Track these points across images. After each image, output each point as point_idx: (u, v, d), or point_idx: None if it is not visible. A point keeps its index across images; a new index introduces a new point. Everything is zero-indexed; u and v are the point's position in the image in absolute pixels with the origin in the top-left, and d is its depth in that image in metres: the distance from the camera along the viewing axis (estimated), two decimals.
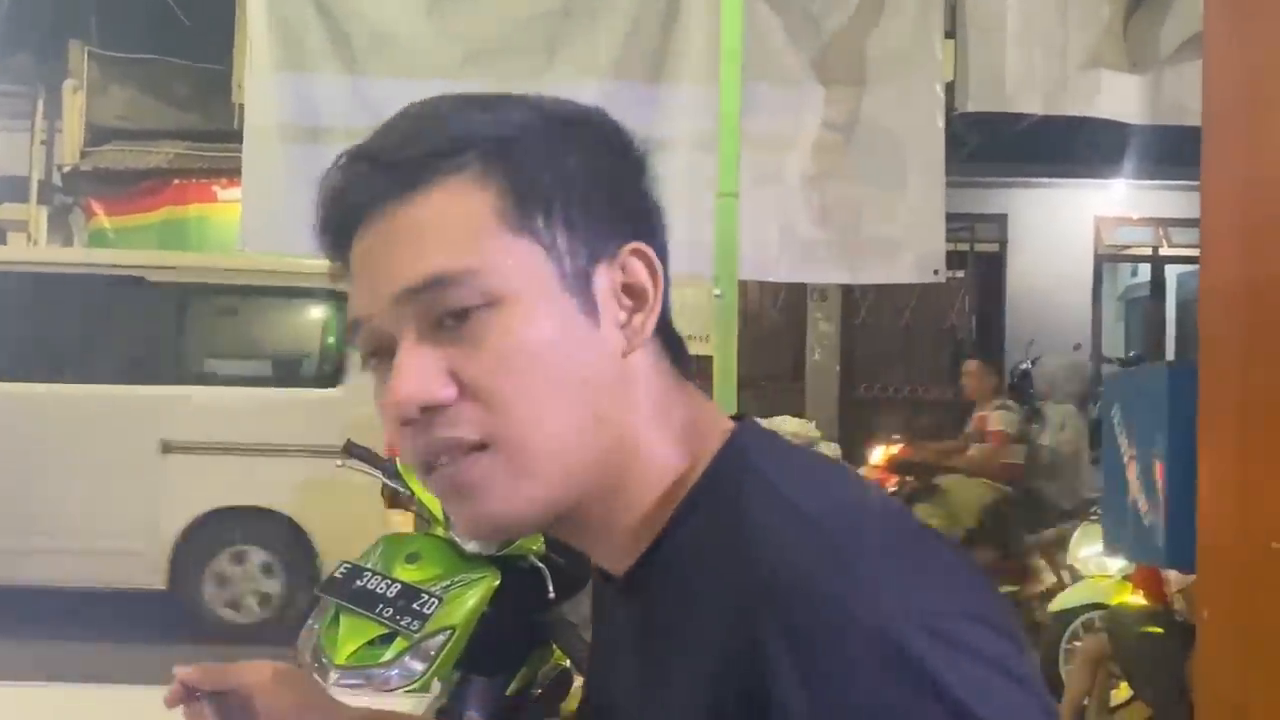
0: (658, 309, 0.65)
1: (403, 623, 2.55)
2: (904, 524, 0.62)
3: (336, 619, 2.60)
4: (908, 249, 2.98)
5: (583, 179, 0.65)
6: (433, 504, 2.80)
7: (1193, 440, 1.90)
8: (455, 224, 0.62)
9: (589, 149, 0.67)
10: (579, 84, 3.33)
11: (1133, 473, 2.25)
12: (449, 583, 2.69)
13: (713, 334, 2.16)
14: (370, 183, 0.64)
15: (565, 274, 0.63)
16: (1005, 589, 4.96)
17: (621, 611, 0.69)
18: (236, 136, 9.29)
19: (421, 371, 0.61)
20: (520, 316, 0.62)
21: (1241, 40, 1.89)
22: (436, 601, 2.61)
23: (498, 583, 2.77)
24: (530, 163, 0.64)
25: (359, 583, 2.63)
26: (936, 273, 2.95)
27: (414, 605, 2.58)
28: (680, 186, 3.20)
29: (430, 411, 0.61)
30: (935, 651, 0.53)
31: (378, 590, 2.61)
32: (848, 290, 8.32)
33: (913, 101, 3.04)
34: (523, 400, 0.61)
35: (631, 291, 0.65)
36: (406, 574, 2.69)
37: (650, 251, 0.66)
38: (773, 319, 7.74)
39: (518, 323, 0.61)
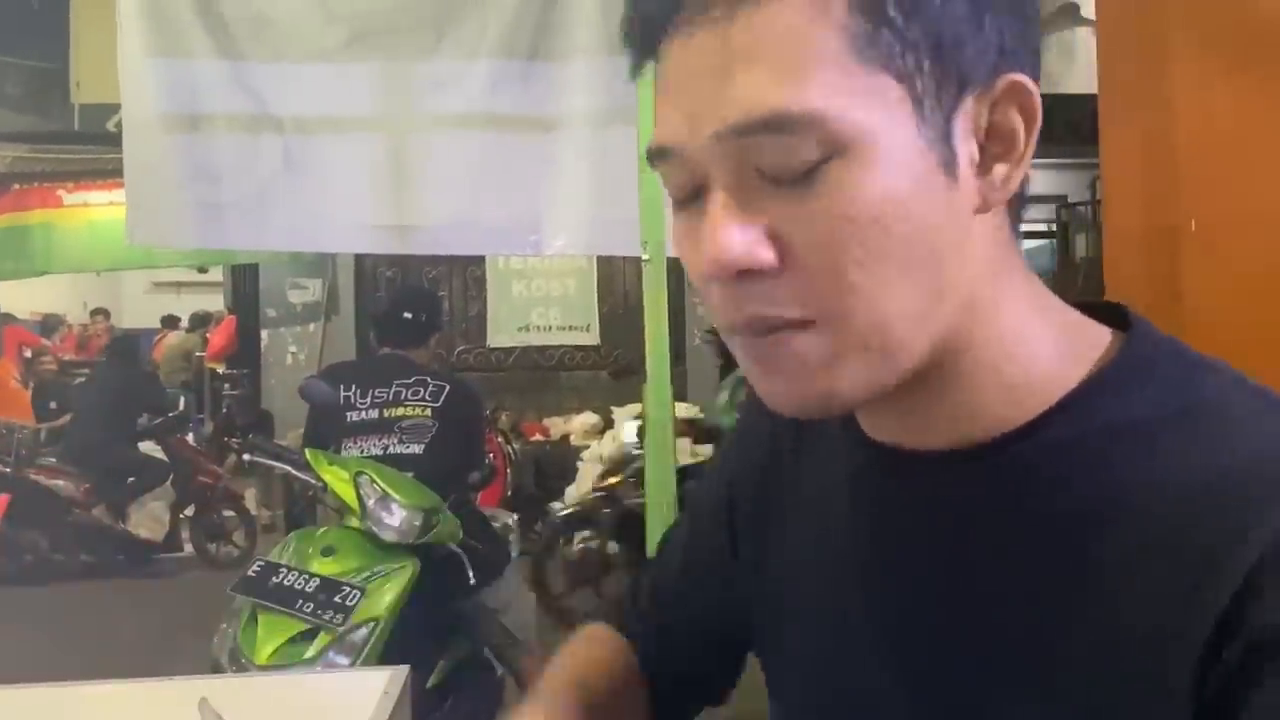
0: (1027, 160, 0.55)
1: (325, 617, 2.47)
2: None
3: (254, 618, 2.51)
4: None
5: None
6: (346, 494, 2.72)
7: None
8: (800, 48, 0.50)
9: None
10: (469, 63, 3.27)
11: None
12: (369, 574, 2.63)
13: (645, 299, 2.16)
14: None
15: (925, 117, 0.52)
16: None
17: (918, 492, 0.59)
18: (79, 138, 8.80)
19: (738, 231, 0.52)
20: (866, 171, 0.50)
21: (1129, 2, 1.99)
22: (358, 594, 2.54)
23: (417, 571, 2.71)
24: None
25: (275, 579, 2.54)
26: None
27: (335, 598, 2.51)
28: (580, 164, 3.19)
29: (746, 277, 0.52)
30: None
31: (296, 586, 2.52)
32: None
33: None
34: (859, 274, 0.51)
35: (999, 134, 0.54)
36: (324, 567, 2.61)
37: (1031, 86, 0.54)
38: None
39: (863, 179, 0.50)
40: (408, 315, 3.27)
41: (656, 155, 0.55)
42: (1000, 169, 0.55)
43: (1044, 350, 0.57)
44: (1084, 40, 3.00)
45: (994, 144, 0.54)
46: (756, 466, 0.75)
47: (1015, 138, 0.54)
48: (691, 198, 0.55)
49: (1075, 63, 3.12)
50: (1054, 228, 10.19)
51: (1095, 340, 0.58)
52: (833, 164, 0.50)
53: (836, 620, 0.64)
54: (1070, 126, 2.91)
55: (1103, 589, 0.51)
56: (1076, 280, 8.01)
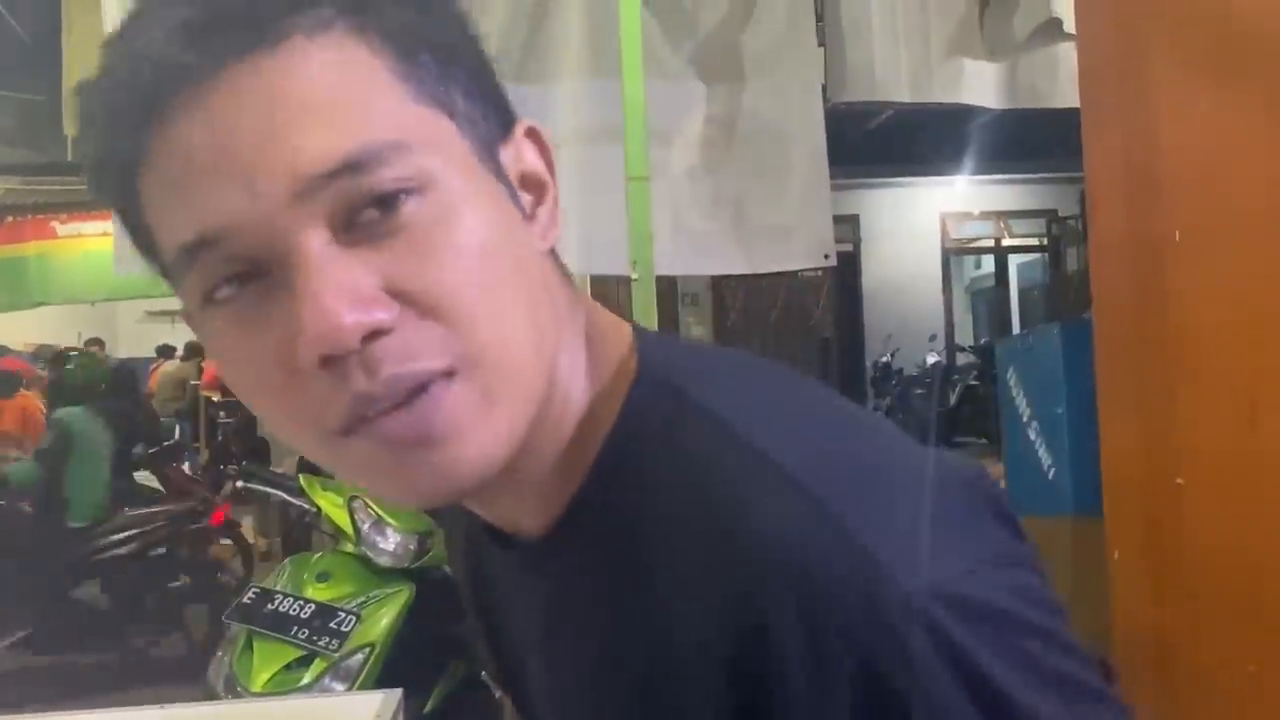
0: (557, 203, 0.54)
1: (320, 643, 2.47)
2: (891, 448, 0.51)
3: (249, 645, 2.50)
4: (798, 236, 3.06)
5: (464, 35, 0.52)
6: (340, 519, 2.72)
7: (1091, 390, 2.00)
8: (353, 88, 0.46)
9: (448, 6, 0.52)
10: None
11: (1033, 431, 2.36)
12: (364, 599, 2.62)
13: (634, 317, 2.16)
14: (199, 44, 0.45)
15: (481, 151, 0.50)
16: None
17: (539, 577, 0.58)
18: (71, 169, 8.85)
19: (352, 285, 0.45)
20: (456, 203, 0.47)
21: (1113, 14, 2.01)
22: (354, 619, 2.53)
23: (413, 595, 2.71)
24: (404, 12, 0.49)
25: (270, 606, 2.54)
26: (827, 256, 3.03)
27: (331, 624, 2.50)
28: (567, 185, 3.20)
29: (372, 339, 0.45)
30: (967, 628, 0.43)
31: (291, 612, 2.52)
32: (718, 293, 8.48)
33: (792, 93, 3.12)
34: (484, 309, 0.47)
35: (529, 181, 0.53)
36: (319, 593, 2.61)
37: (542, 132, 0.54)
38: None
39: (456, 211, 0.47)
40: None
41: (199, 246, 0.46)
42: (543, 211, 0.54)
43: (579, 388, 0.55)
44: (1067, 56, 3.03)
45: (528, 189, 0.54)
46: (461, 577, 0.75)
47: (544, 183, 0.54)
48: (253, 282, 0.47)
49: (1059, 78, 3.15)
50: (1045, 242, 10.24)
51: (621, 368, 0.55)
52: (424, 199, 0.47)
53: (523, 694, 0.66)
54: (1058, 141, 2.93)
55: (662, 652, 0.49)
56: (1068, 293, 8.04)
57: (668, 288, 7.71)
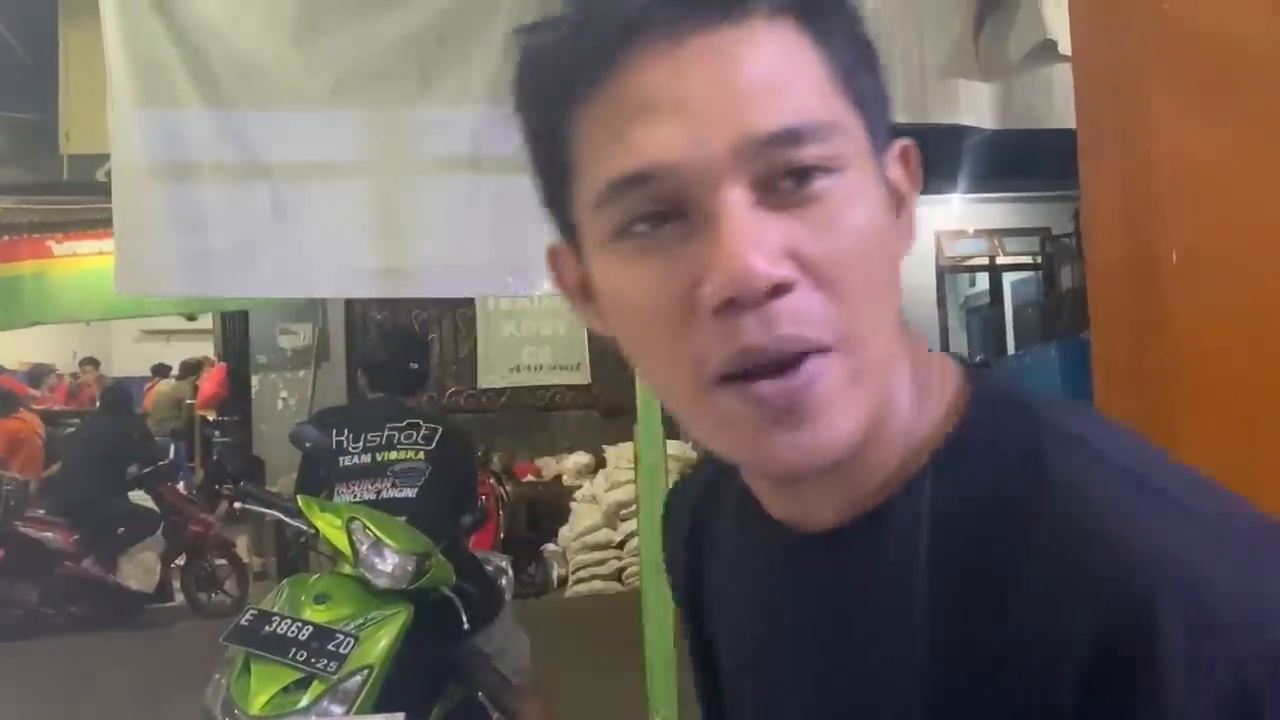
0: (913, 214, 0.57)
1: (318, 665, 2.45)
2: (1238, 497, 0.52)
3: (246, 668, 2.49)
4: None
5: (871, 48, 0.56)
6: (339, 541, 2.71)
7: None
8: (802, 70, 0.51)
9: (858, 16, 0.56)
10: (456, 109, 3.30)
11: None
12: (362, 620, 2.61)
13: None
14: (690, 5, 0.50)
15: (876, 152, 0.54)
16: None
17: (818, 568, 0.58)
18: (68, 188, 8.83)
19: (767, 239, 0.49)
20: (859, 190, 0.51)
21: (1107, 35, 2.03)
22: (352, 641, 2.52)
23: (411, 617, 2.70)
24: (839, 13, 0.54)
25: (268, 628, 2.52)
26: None
27: (329, 646, 2.49)
28: None
29: (774, 295, 0.48)
30: None
31: (289, 634, 2.51)
32: None
33: None
34: (868, 286, 0.51)
35: (894, 191, 0.56)
36: (317, 615, 2.59)
37: (913, 153, 0.57)
38: None
39: (861, 197, 0.51)
40: (413, 365, 3.28)
41: (633, 181, 0.51)
42: (903, 222, 0.57)
43: (908, 406, 0.56)
44: (1062, 76, 3.04)
45: (896, 200, 0.57)
46: (682, 570, 0.75)
47: (904, 198, 0.57)
48: (670, 222, 0.51)
49: (1054, 98, 3.16)
50: (1039, 260, 10.26)
51: (946, 386, 0.58)
52: (839, 179, 0.51)
53: (757, 703, 0.64)
54: (1052, 160, 2.94)
55: (980, 654, 0.51)
56: (1063, 311, 8.05)
57: None
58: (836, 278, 0.50)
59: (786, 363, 0.49)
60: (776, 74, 0.50)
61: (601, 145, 0.52)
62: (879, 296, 0.52)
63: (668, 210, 0.51)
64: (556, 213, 0.58)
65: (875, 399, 0.52)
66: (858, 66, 0.54)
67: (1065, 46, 2.80)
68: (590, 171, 0.53)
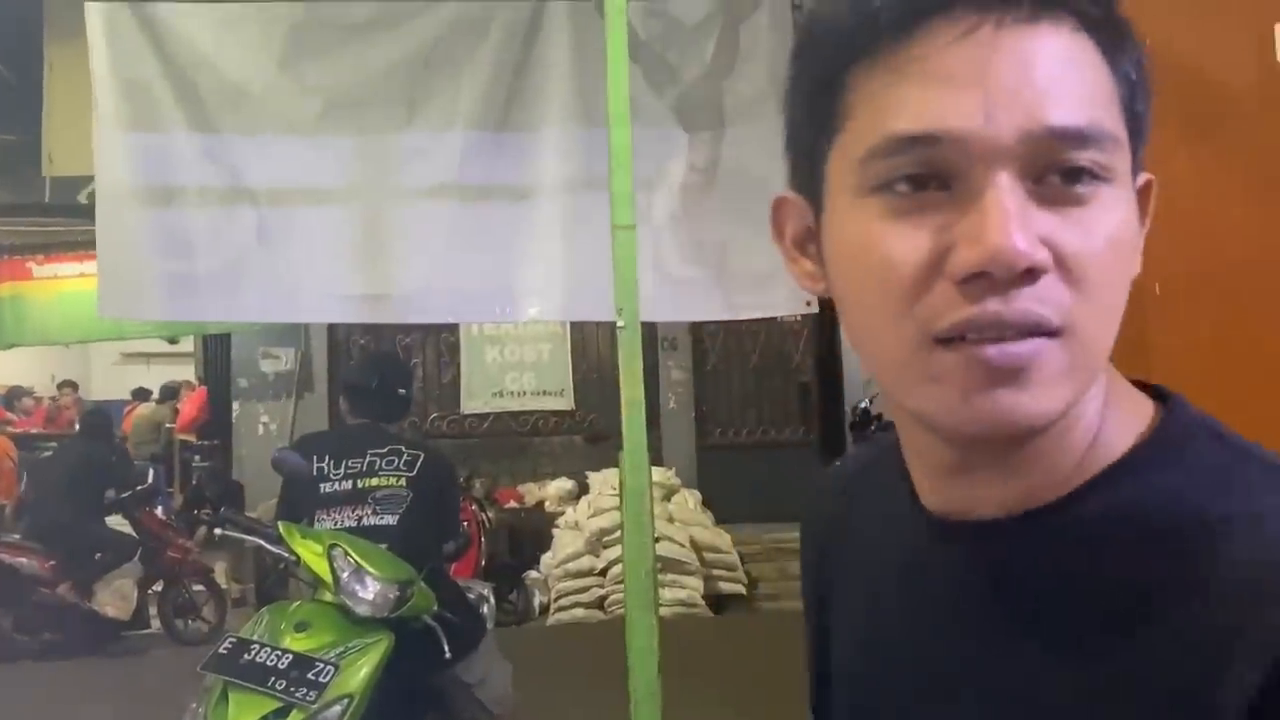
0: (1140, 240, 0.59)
1: (298, 694, 2.42)
2: None
3: (225, 697, 2.45)
4: (779, 282, 3.07)
5: (1147, 80, 0.58)
6: (320, 568, 2.68)
7: None
8: (1097, 80, 0.54)
9: (1141, 46, 0.58)
10: (442, 135, 3.31)
11: None
12: (342, 649, 2.58)
13: (620, 365, 2.17)
14: None
15: (1135, 169, 0.57)
16: None
17: (974, 556, 0.60)
18: (49, 210, 8.77)
19: (1030, 224, 0.52)
20: (1120, 202, 0.55)
21: None
22: (332, 669, 2.49)
23: (392, 645, 2.67)
24: (1129, 41, 0.57)
25: (247, 656, 2.49)
26: (809, 303, 3.05)
27: (309, 675, 2.46)
28: (552, 231, 3.22)
29: (1024, 277, 0.52)
30: None
31: (268, 663, 2.48)
32: (698, 338, 8.49)
33: (773, 141, 3.15)
34: (1108, 295, 0.54)
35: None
36: (297, 643, 2.56)
37: (1154, 190, 0.60)
38: None
39: (1119, 209, 0.55)
40: (399, 391, 3.27)
41: (914, 141, 0.53)
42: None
43: (1095, 415, 0.58)
44: None
45: None
46: (818, 548, 0.76)
47: (1139, 228, 0.60)
48: (920, 183, 0.54)
49: None
50: None
51: (1138, 408, 0.60)
52: (1106, 188, 0.54)
53: (884, 690, 0.65)
54: None
55: (1148, 658, 0.53)
56: None
57: (648, 332, 7.73)
58: (1083, 276, 0.53)
59: (1012, 337, 0.52)
60: (1074, 77, 0.53)
61: (885, 100, 0.54)
62: (1113, 303, 0.55)
63: (933, 176, 0.53)
64: (804, 161, 0.60)
65: (1079, 391, 0.55)
66: (1137, 93, 0.57)
67: None
68: (868, 124, 0.55)
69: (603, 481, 7.22)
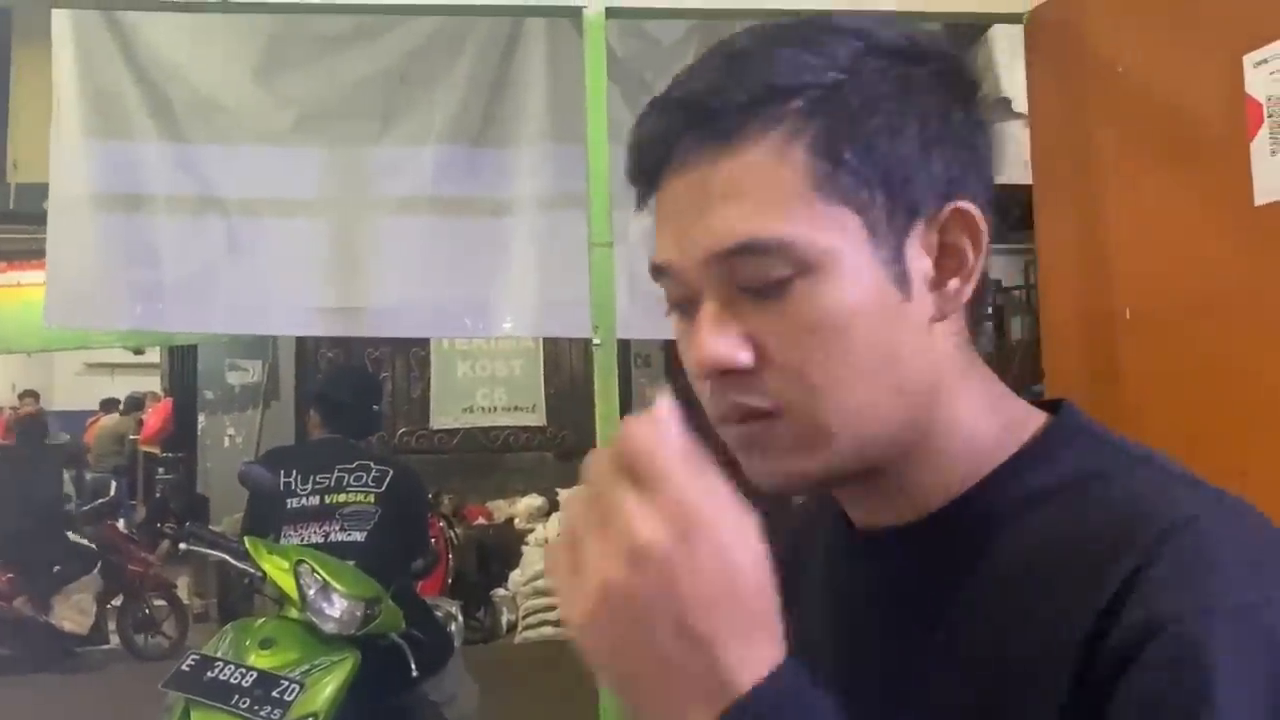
0: (975, 276, 0.63)
1: (262, 712, 2.39)
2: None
3: (186, 715, 2.42)
4: None
5: (912, 126, 0.60)
6: (286, 584, 2.65)
7: None
8: (768, 186, 0.59)
9: (921, 89, 0.61)
10: (416, 149, 3.30)
11: None
12: (308, 667, 2.55)
13: (595, 382, 2.16)
14: (680, 131, 0.60)
15: (879, 241, 0.60)
16: None
17: (879, 562, 0.67)
18: (13, 217, 8.68)
19: (722, 337, 0.60)
20: (828, 286, 0.59)
21: (1063, 97, 2.07)
22: (297, 688, 2.46)
23: (358, 664, 2.64)
24: (854, 113, 0.59)
25: (210, 674, 2.46)
26: None
27: (273, 693, 2.43)
28: (527, 247, 3.21)
29: (729, 374, 0.60)
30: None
31: (231, 680, 2.44)
32: (670, 354, 8.49)
33: None
34: (820, 373, 0.60)
35: (950, 253, 0.62)
36: (261, 661, 2.53)
37: (975, 212, 0.62)
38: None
39: (825, 293, 0.59)
40: (372, 406, 3.24)
41: (656, 271, 0.64)
42: (953, 283, 0.62)
43: (987, 434, 0.64)
44: (1015, 134, 3.10)
45: (947, 261, 0.62)
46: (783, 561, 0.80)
47: (964, 256, 0.62)
48: (686, 306, 0.63)
49: (1008, 156, 3.22)
50: (989, 311, 10.44)
51: (1031, 424, 0.66)
52: (800, 281, 0.59)
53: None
54: (1002, 214, 2.97)
55: (1016, 633, 0.58)
56: (1013, 362, 8.17)
57: (621, 348, 7.71)
58: (786, 362, 0.60)
59: (734, 420, 0.62)
60: (742, 192, 0.59)
61: (656, 231, 0.65)
62: (831, 379, 0.60)
63: (682, 300, 0.63)
64: None
65: (828, 455, 0.61)
66: (865, 162, 0.60)
67: (1020, 104, 2.87)
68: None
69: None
